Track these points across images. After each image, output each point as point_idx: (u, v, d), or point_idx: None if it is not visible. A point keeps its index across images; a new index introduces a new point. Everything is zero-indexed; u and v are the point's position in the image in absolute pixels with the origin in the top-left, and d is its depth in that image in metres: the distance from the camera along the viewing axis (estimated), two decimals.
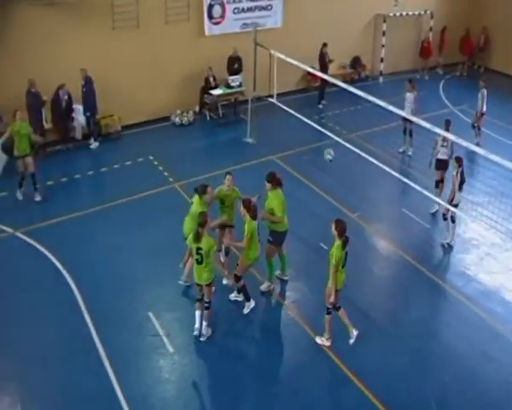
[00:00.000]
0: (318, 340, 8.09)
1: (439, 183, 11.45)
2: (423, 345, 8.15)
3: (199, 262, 7.70)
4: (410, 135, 13.91)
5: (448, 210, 10.19)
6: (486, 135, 14.57)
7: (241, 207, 8.21)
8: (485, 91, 14.27)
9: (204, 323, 8.08)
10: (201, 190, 8.43)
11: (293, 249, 10.07)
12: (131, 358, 7.68)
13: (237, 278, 8.46)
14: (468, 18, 20.85)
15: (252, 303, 8.61)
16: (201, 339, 8.02)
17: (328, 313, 7.92)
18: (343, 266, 7.73)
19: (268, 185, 8.64)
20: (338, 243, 7.59)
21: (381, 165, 11.23)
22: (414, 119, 10.58)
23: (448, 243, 10.53)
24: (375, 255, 10.46)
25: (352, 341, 7.97)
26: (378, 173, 11.62)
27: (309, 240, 10.42)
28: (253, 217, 8.14)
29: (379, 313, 8.84)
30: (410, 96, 13.54)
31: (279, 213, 8.57)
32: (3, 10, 12.73)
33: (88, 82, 13.54)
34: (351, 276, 9.46)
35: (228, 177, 8.87)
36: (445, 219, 10.52)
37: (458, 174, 10.07)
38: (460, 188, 10.11)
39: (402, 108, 11.97)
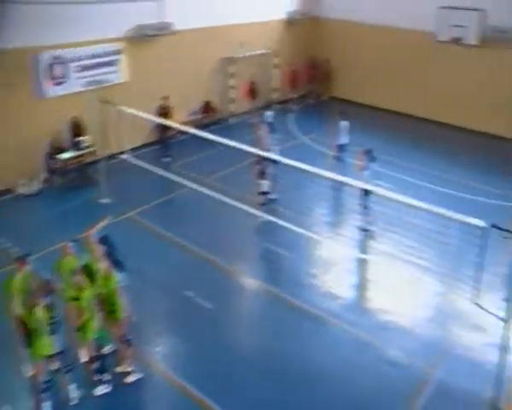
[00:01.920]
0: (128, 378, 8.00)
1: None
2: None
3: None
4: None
5: None
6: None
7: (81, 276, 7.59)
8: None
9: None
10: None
11: (158, 301, 9.95)
12: None
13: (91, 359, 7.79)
14: (309, 52, 23.24)
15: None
16: None
17: (130, 345, 8.00)
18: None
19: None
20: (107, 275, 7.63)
21: (238, 204, 11.49)
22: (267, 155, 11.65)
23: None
24: (241, 293, 10.51)
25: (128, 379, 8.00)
26: (237, 212, 11.81)
27: (173, 291, 10.21)
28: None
29: (248, 350, 8.88)
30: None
31: None
32: None
33: None
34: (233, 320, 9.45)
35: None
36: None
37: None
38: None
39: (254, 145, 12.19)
